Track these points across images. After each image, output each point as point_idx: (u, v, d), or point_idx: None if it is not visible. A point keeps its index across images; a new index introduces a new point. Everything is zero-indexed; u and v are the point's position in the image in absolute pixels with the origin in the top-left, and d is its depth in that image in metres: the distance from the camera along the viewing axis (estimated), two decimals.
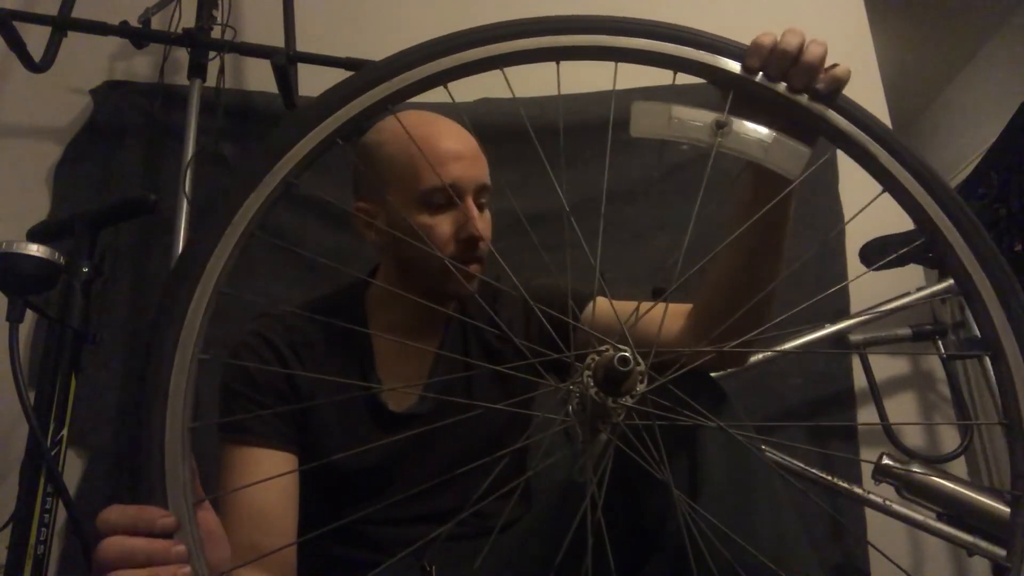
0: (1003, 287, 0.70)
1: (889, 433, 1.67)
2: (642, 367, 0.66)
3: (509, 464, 1.14)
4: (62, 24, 1.67)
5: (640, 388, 0.66)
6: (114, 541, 0.58)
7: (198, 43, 1.74)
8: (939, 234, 0.71)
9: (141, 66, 1.99)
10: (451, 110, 1.02)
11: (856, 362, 1.80)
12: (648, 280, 1.76)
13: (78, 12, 1.70)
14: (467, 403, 1.04)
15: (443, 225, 1.02)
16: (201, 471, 0.65)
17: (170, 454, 0.62)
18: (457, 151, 1.02)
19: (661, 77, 0.77)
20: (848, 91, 0.74)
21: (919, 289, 1.78)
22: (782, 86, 0.73)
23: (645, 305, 0.82)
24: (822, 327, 1.70)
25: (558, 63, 0.73)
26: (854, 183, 1.87)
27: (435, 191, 1.00)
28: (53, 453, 1.15)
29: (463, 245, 1.03)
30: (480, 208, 1.06)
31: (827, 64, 0.74)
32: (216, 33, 1.82)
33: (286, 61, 1.67)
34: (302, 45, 1.75)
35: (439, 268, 1.00)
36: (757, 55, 0.73)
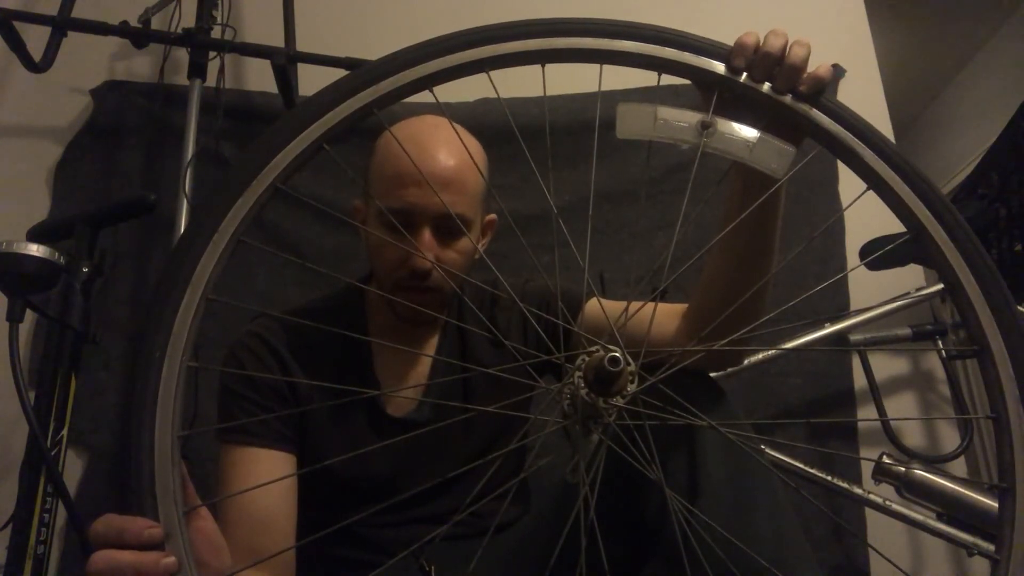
0: (988, 283, 0.70)
1: (889, 433, 1.66)
2: (632, 367, 0.66)
3: (509, 465, 1.15)
4: (62, 24, 1.67)
5: (631, 388, 0.66)
6: (102, 555, 0.58)
7: (198, 43, 1.74)
8: (925, 232, 0.71)
9: (141, 66, 2.00)
10: (452, 116, 1.01)
11: (856, 362, 1.80)
12: (648, 280, 1.77)
13: (78, 12, 1.70)
14: (465, 407, 1.04)
15: (393, 248, 1.00)
16: (202, 473, 0.64)
17: (160, 463, 0.61)
18: (422, 175, 0.93)
19: (665, 77, 0.75)
20: (848, 91, 0.74)
21: (919, 289, 1.78)
22: (766, 86, 0.73)
23: (635, 304, 0.82)
24: (822, 327, 1.70)
25: (543, 66, 0.73)
26: (854, 182, 1.86)
27: (389, 211, 0.96)
28: (53, 453, 1.15)
29: (408, 273, 1.00)
30: (450, 236, 1.01)
31: (821, 63, 0.74)
32: (216, 33, 1.82)
33: (286, 61, 1.67)
34: (302, 45, 1.75)
35: (387, 287, 1.02)
36: (741, 56, 0.73)
